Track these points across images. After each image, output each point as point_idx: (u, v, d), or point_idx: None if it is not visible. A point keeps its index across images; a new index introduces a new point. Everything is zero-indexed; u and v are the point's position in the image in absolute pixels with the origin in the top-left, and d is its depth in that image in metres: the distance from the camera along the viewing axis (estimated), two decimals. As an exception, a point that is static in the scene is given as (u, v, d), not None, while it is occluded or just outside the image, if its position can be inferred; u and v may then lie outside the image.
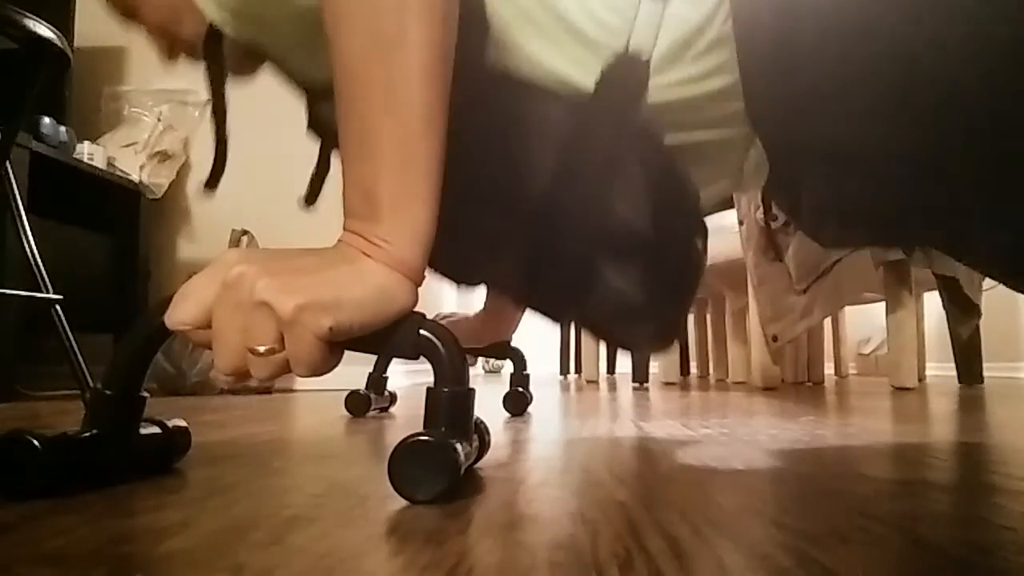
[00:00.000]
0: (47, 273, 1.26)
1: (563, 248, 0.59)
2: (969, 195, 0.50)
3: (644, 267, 0.59)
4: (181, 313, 0.42)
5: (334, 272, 0.44)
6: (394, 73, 0.47)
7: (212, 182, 0.61)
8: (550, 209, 0.57)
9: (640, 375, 2.14)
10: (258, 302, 0.40)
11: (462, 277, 0.70)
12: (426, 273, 0.49)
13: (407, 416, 1.09)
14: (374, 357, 1.18)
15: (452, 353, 0.45)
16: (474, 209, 0.58)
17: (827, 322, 2.76)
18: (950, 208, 0.51)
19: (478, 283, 0.72)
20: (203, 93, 0.59)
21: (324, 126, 0.66)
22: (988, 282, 1.81)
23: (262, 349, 0.41)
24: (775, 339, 1.83)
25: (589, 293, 0.59)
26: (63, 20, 1.81)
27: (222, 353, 0.42)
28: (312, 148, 0.67)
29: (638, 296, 0.59)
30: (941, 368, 3.14)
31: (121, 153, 2.07)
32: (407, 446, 0.40)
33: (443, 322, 0.87)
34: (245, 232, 2.00)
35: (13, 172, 1.25)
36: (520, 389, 1.11)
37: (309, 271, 0.43)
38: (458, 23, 0.49)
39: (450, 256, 0.53)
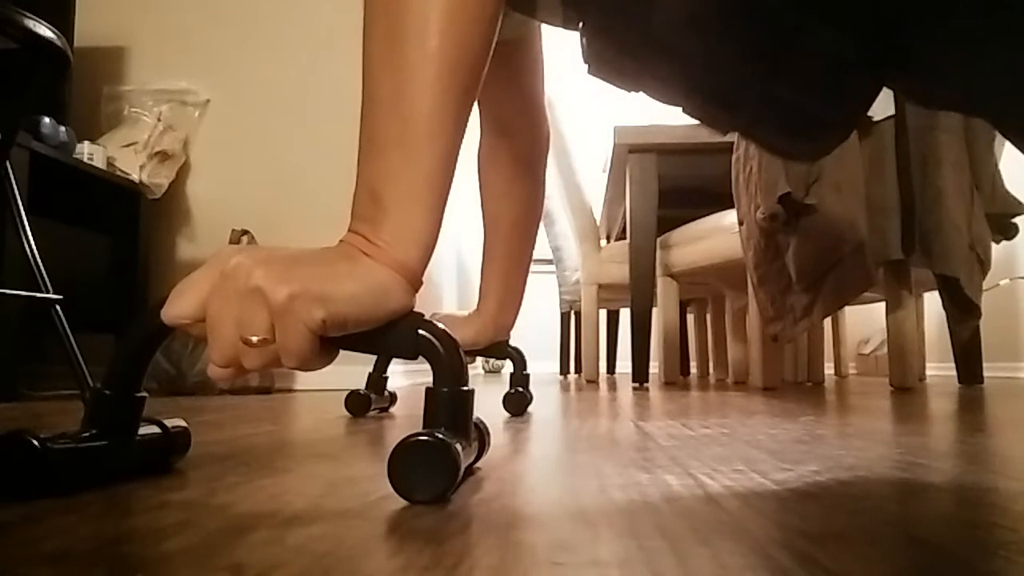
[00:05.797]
0: (47, 273, 1.26)
1: None
2: None
3: None
4: (177, 307, 0.43)
5: (331, 267, 0.44)
6: (402, 79, 0.47)
7: None
8: None
9: (640, 375, 2.14)
10: (252, 288, 0.40)
11: None
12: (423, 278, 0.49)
13: (407, 416, 1.09)
14: (374, 357, 1.18)
15: (451, 353, 0.45)
16: None
17: (827, 322, 2.76)
18: None
19: None
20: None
21: None
22: (988, 282, 1.81)
23: (255, 339, 0.41)
24: (775, 339, 1.83)
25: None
26: (63, 20, 1.81)
27: (215, 344, 0.42)
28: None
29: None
30: (941, 368, 3.14)
31: (121, 153, 2.07)
32: (406, 446, 0.40)
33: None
34: (245, 232, 2.00)
35: (13, 172, 1.25)
36: (520, 389, 1.11)
37: (306, 264, 0.43)
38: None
39: None
